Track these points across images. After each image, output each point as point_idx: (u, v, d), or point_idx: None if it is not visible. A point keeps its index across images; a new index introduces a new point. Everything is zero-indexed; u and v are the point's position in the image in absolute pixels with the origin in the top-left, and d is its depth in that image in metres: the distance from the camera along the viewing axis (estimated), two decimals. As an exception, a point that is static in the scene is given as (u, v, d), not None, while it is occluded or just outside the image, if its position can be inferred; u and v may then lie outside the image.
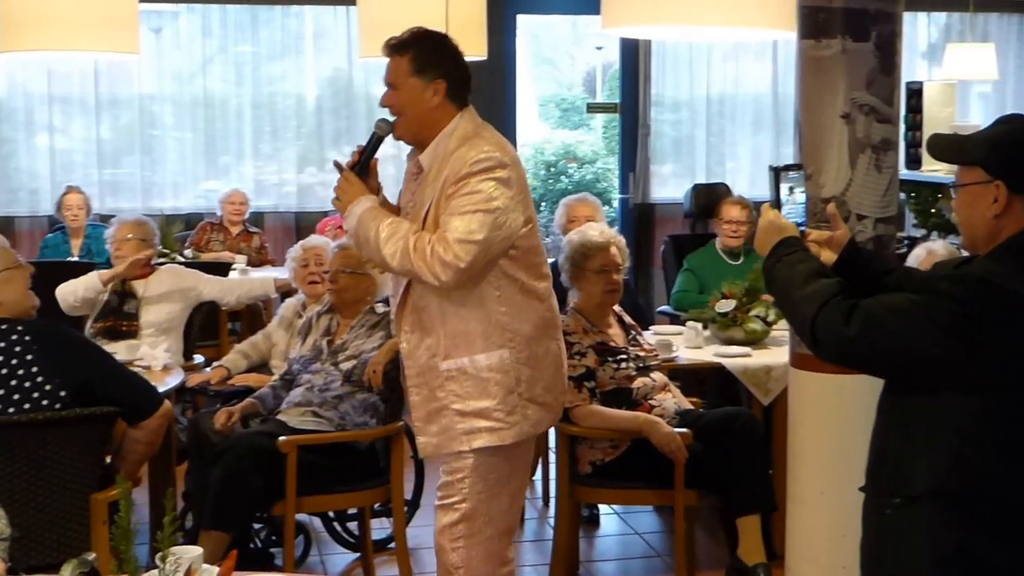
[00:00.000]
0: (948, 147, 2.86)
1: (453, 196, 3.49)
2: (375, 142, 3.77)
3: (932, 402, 2.66)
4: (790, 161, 3.68)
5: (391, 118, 3.74)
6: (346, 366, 4.84)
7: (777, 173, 3.14)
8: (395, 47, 3.69)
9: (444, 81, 3.61)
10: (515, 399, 3.60)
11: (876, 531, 2.88)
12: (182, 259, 7.63)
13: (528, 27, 13.70)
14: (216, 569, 2.75)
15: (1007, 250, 2.67)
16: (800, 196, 3.19)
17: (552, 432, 5.22)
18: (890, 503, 2.76)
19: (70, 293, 5.85)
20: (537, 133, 15.22)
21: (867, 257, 3.08)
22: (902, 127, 8.43)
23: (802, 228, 3.01)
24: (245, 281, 6.41)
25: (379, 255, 3.57)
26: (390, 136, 3.76)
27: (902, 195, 8.91)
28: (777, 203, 3.09)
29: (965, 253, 5.80)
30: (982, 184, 2.71)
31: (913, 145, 9.14)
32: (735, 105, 10.41)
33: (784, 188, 3.13)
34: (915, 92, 9.23)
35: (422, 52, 3.64)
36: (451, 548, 3.77)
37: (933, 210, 8.76)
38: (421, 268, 3.46)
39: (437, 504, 3.79)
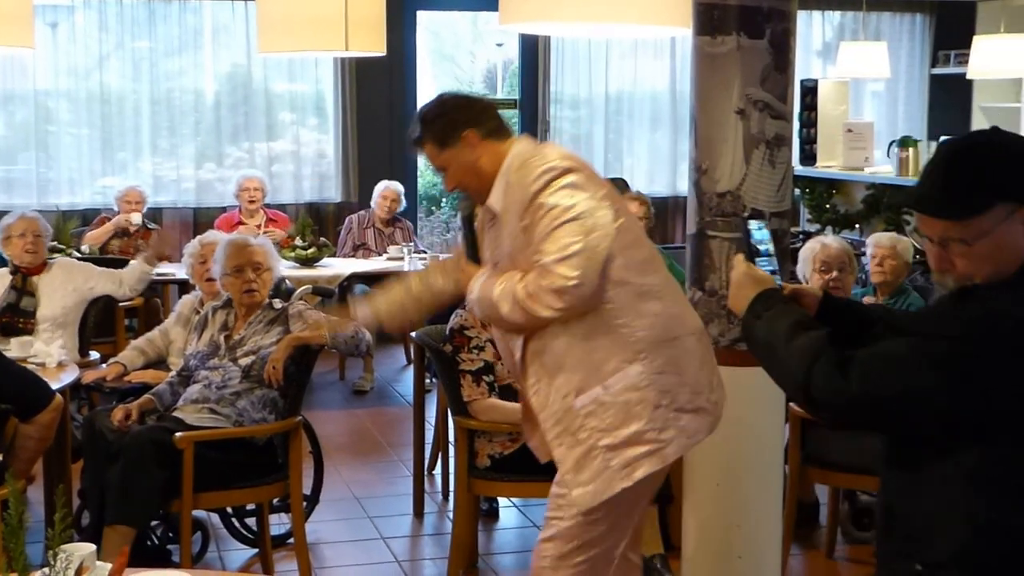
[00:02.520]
0: (952, 200, 2.38)
1: (532, 224, 3.26)
2: (467, 223, 3.57)
3: (941, 453, 2.34)
4: (688, 155, 3.70)
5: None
6: (244, 362, 4.81)
7: (746, 221, 2.92)
8: (416, 142, 3.51)
9: (470, 130, 3.42)
10: (664, 413, 3.31)
11: None
12: (78, 255, 7.53)
13: (428, 24, 13.68)
14: (108, 566, 2.72)
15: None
16: (771, 245, 2.92)
17: (451, 426, 5.22)
18: (911, 570, 2.42)
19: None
20: (438, 129, 15.20)
21: (843, 306, 2.79)
22: (796, 124, 8.59)
23: (778, 282, 2.74)
24: (134, 267, 6.36)
25: (503, 319, 3.33)
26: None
27: (796, 191, 9.07)
28: (750, 253, 2.83)
29: (875, 253, 5.92)
30: (1007, 219, 2.34)
31: (808, 141, 9.31)
32: (633, 102, 10.53)
33: (756, 235, 2.86)
34: (810, 89, 9.41)
35: (435, 128, 3.46)
36: (537, 566, 3.45)
37: (827, 205, 8.92)
38: (537, 308, 3.22)
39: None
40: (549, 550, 3.37)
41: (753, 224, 2.89)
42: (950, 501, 2.34)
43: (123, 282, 6.26)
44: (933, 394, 2.28)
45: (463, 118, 3.44)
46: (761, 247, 2.85)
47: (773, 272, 2.78)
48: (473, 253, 3.53)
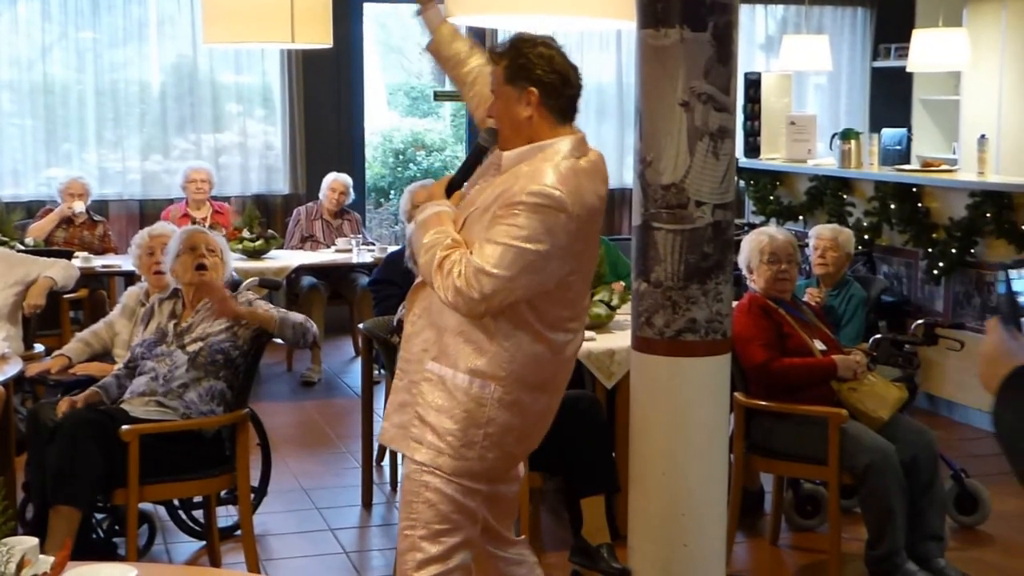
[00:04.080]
0: None
1: (499, 219, 3.20)
2: (478, 153, 3.45)
3: None
4: (633, 147, 3.70)
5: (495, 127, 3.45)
6: (192, 348, 4.79)
7: (1007, 269, 2.13)
8: (493, 53, 3.44)
9: (536, 89, 3.32)
10: (478, 439, 3.31)
11: None
12: (22, 247, 7.47)
13: (375, 15, 13.65)
14: (51, 559, 2.72)
15: None
16: None
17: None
18: None
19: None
20: (386, 121, 15.18)
21: None
22: (740, 116, 8.66)
23: None
24: (69, 264, 6.36)
25: (417, 259, 3.33)
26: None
27: (741, 183, 9.14)
28: (1012, 312, 2.11)
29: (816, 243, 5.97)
30: None
31: (752, 134, 9.38)
32: (580, 94, 10.53)
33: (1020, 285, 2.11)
34: (753, 82, 9.48)
35: (515, 59, 3.37)
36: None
37: (772, 197, 9.00)
38: (436, 284, 3.22)
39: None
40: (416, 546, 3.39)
41: (1015, 274, 2.13)
42: None
43: (64, 270, 6.22)
44: None
45: (540, 75, 3.34)
46: None
47: None
48: (459, 181, 3.45)
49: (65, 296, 6.85)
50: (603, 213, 3.46)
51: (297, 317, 4.88)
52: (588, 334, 5.52)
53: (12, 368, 5.01)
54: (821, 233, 6.10)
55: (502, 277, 3.17)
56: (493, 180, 3.35)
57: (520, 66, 3.35)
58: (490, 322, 3.27)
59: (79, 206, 8.26)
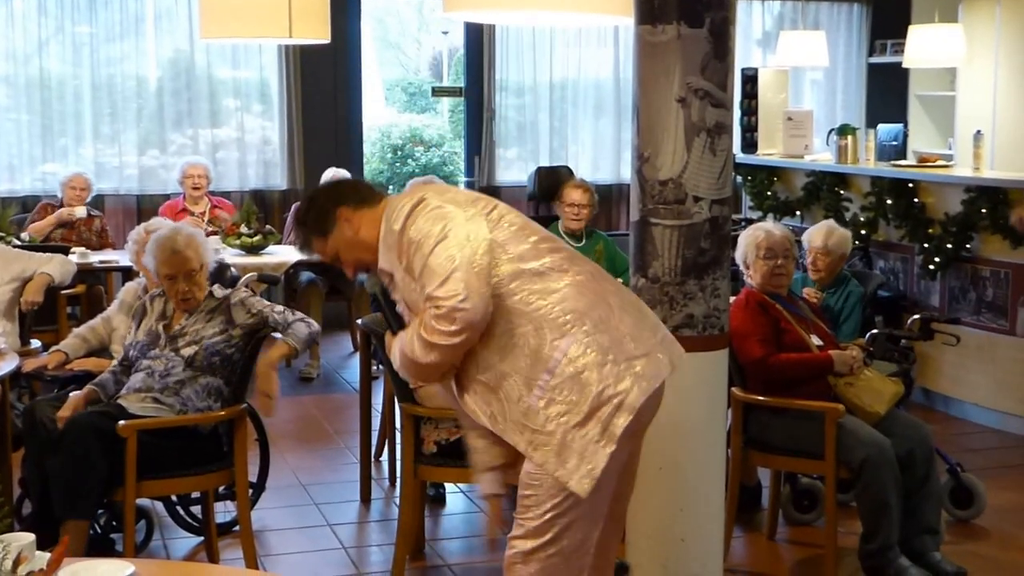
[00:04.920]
0: None
1: (410, 263, 3.24)
2: (383, 295, 3.53)
3: None
4: (631, 143, 3.71)
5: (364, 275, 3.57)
6: (187, 352, 4.78)
7: None
8: (303, 246, 3.53)
9: (344, 209, 3.42)
10: (613, 368, 3.22)
11: None
12: (19, 242, 7.48)
13: (373, 11, 13.65)
14: (47, 556, 2.73)
15: None
16: None
17: (397, 412, 5.24)
18: None
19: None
20: (383, 117, 15.20)
21: None
22: (737, 112, 8.66)
23: None
24: (66, 260, 6.37)
25: (427, 367, 3.28)
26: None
27: (738, 178, 9.15)
28: None
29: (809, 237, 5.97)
30: None
31: (749, 129, 9.39)
32: (577, 90, 10.60)
33: None
34: (750, 78, 9.49)
35: (311, 222, 3.47)
36: (508, 562, 3.37)
37: (768, 192, 9.01)
38: (438, 339, 3.17)
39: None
40: (519, 545, 3.34)
41: None
42: None
43: (61, 266, 6.23)
44: None
45: (331, 201, 3.44)
46: None
47: None
48: (396, 324, 3.48)
49: (62, 292, 6.85)
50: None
51: (302, 331, 4.83)
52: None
53: (9, 364, 5.02)
54: (812, 240, 6.05)
55: (456, 268, 3.15)
56: (395, 278, 3.37)
57: (316, 218, 3.46)
58: (505, 319, 3.25)
59: (80, 211, 8.27)
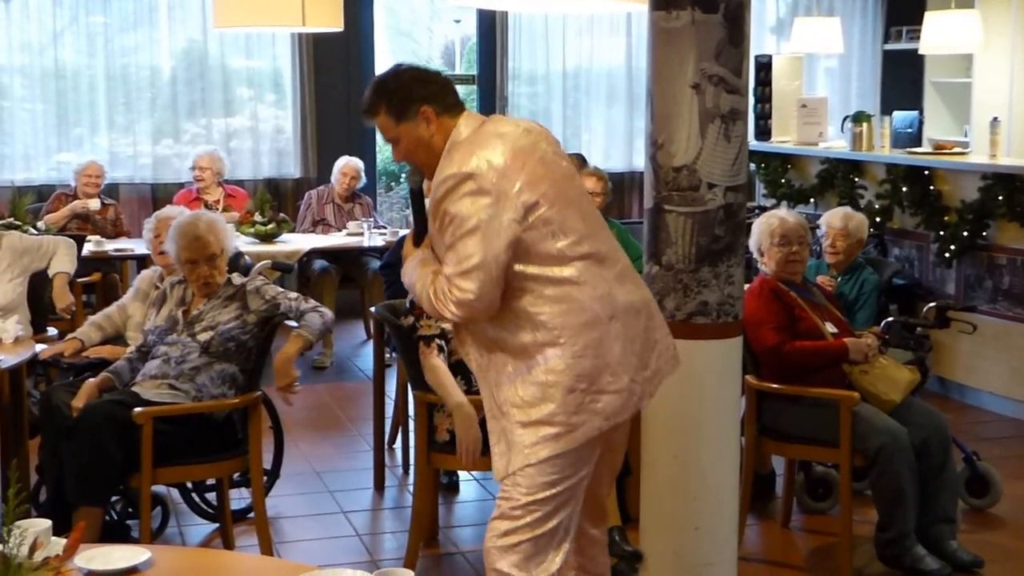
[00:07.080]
0: None
1: (440, 229, 3.30)
2: (415, 197, 3.54)
3: None
4: (645, 130, 3.70)
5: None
6: (203, 337, 4.80)
7: None
8: (368, 112, 3.46)
9: (427, 106, 3.38)
10: (578, 397, 3.30)
11: None
12: (35, 231, 7.48)
13: (385, 0, 13.64)
14: (63, 541, 2.74)
15: None
16: None
17: (411, 400, 5.25)
18: None
19: None
20: (396, 106, 15.17)
21: None
22: (751, 98, 8.64)
23: None
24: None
25: (425, 309, 3.42)
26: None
27: (752, 165, 9.12)
28: None
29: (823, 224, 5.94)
30: None
31: (763, 117, 9.36)
32: (590, 78, 10.59)
33: None
34: (764, 65, 9.45)
35: (392, 101, 3.41)
36: (487, 545, 3.42)
37: (783, 180, 8.98)
38: (442, 311, 3.30)
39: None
40: (496, 528, 3.40)
41: None
42: None
43: (69, 250, 6.24)
44: None
45: (421, 93, 3.40)
46: None
47: None
48: (420, 226, 3.50)
49: (78, 280, 6.85)
50: (533, 134, 3.41)
51: (316, 322, 4.83)
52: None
53: (26, 351, 5.03)
54: (831, 221, 6.05)
55: (475, 266, 3.22)
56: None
57: (401, 100, 3.40)
58: (512, 310, 3.32)
59: (95, 204, 8.30)
